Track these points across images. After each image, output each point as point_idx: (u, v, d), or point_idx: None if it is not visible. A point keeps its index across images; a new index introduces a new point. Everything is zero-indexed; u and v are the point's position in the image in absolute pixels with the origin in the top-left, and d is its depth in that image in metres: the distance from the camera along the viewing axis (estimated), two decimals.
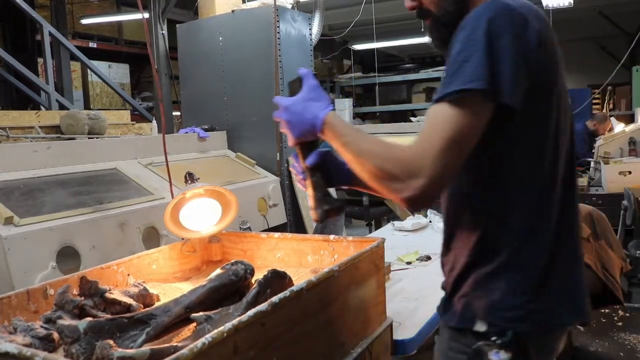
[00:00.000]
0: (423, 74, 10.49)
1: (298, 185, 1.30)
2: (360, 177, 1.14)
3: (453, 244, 1.21)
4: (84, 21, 9.33)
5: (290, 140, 1.26)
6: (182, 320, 1.28)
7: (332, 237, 1.72)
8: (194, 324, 1.22)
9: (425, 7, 1.23)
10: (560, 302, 1.14)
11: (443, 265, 1.26)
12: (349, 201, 4.39)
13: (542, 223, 1.12)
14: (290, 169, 1.33)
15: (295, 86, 1.25)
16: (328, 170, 1.32)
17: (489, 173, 1.13)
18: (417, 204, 1.07)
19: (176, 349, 0.94)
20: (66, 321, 1.13)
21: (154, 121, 3.98)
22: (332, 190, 1.32)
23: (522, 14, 1.07)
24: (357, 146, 1.12)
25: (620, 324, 2.37)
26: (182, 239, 1.81)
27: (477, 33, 1.03)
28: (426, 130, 1.04)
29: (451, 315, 1.19)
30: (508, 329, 1.10)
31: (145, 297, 1.43)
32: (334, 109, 1.20)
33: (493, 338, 1.10)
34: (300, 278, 1.56)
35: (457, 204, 1.20)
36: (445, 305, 1.22)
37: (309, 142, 1.25)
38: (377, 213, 4.71)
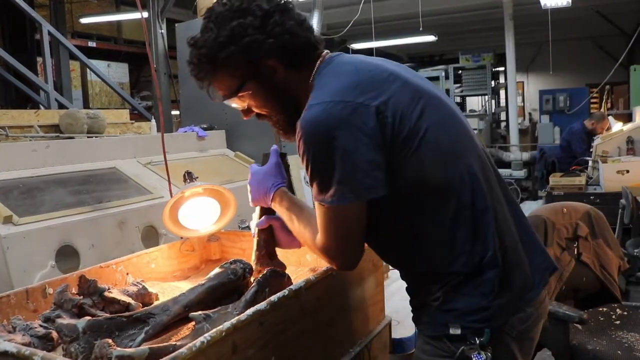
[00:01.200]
0: (421, 73, 10.46)
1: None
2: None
3: (414, 278, 1.31)
4: (83, 20, 9.32)
5: (250, 202, 1.47)
6: (181, 319, 1.28)
7: None
8: (193, 323, 1.22)
9: (259, 112, 1.35)
10: (520, 286, 1.22)
11: (412, 290, 1.33)
12: None
13: (480, 229, 1.18)
14: (250, 224, 1.53)
15: (266, 158, 1.48)
16: (275, 235, 1.48)
17: (411, 218, 1.21)
18: (349, 270, 1.31)
19: (175, 347, 0.95)
20: (65, 320, 1.13)
21: (153, 120, 3.97)
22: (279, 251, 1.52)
23: (345, 102, 1.12)
24: (292, 227, 1.35)
25: (618, 322, 2.37)
26: (181, 237, 1.81)
27: (312, 146, 1.13)
28: (321, 228, 1.21)
29: (425, 324, 1.26)
30: (484, 328, 1.16)
31: (144, 296, 1.43)
32: (284, 186, 1.42)
33: (472, 340, 1.16)
34: (298, 277, 1.57)
35: (402, 256, 1.30)
36: (417, 316, 1.29)
37: (266, 207, 1.45)
38: None
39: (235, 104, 1.34)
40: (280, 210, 1.39)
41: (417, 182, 1.16)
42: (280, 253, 1.52)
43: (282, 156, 1.46)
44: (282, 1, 1.26)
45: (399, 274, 2.20)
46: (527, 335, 1.24)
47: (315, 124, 1.12)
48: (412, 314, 1.33)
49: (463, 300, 1.17)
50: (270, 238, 1.48)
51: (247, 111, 1.36)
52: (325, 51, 1.30)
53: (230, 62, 1.24)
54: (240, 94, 1.29)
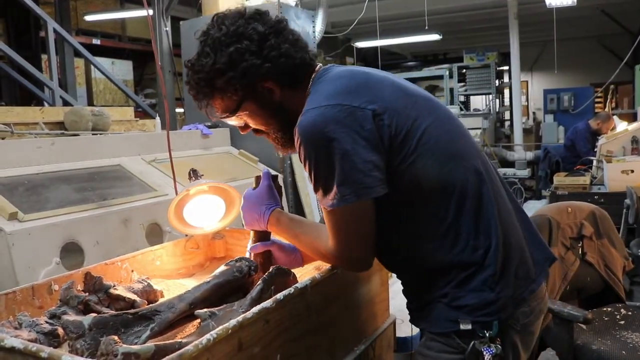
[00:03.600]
0: (426, 72, 10.47)
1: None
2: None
3: (419, 277, 1.29)
4: (88, 18, 9.32)
5: (244, 226, 1.49)
6: (187, 316, 1.28)
7: None
8: (198, 321, 1.22)
9: (255, 127, 1.36)
10: (523, 277, 1.25)
11: (414, 290, 1.32)
12: None
13: (484, 222, 1.20)
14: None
15: (258, 181, 1.48)
16: (275, 258, 1.49)
17: (414, 215, 1.22)
18: (364, 270, 1.32)
19: (181, 345, 0.95)
20: (71, 317, 1.14)
21: (158, 118, 3.97)
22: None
23: (341, 105, 1.14)
24: (299, 244, 1.40)
25: (622, 322, 2.36)
26: (186, 235, 1.81)
27: (312, 151, 1.14)
28: (330, 232, 1.23)
29: (431, 322, 1.25)
30: (492, 321, 1.18)
31: (149, 293, 1.43)
32: (280, 207, 1.43)
33: (481, 334, 1.18)
34: (304, 275, 1.57)
35: (408, 254, 1.28)
36: (420, 316, 1.30)
37: (260, 231, 1.46)
38: None
39: (233, 121, 1.36)
40: (279, 231, 1.41)
41: (418, 180, 1.18)
42: None
43: (274, 178, 1.48)
44: (276, 19, 1.30)
45: None
46: (529, 329, 1.27)
47: (312, 127, 1.14)
48: (410, 316, 1.34)
49: (472, 296, 1.19)
50: (266, 261, 1.49)
51: (245, 127, 1.38)
52: (319, 65, 1.33)
53: (228, 87, 1.25)
54: (238, 114, 1.31)
